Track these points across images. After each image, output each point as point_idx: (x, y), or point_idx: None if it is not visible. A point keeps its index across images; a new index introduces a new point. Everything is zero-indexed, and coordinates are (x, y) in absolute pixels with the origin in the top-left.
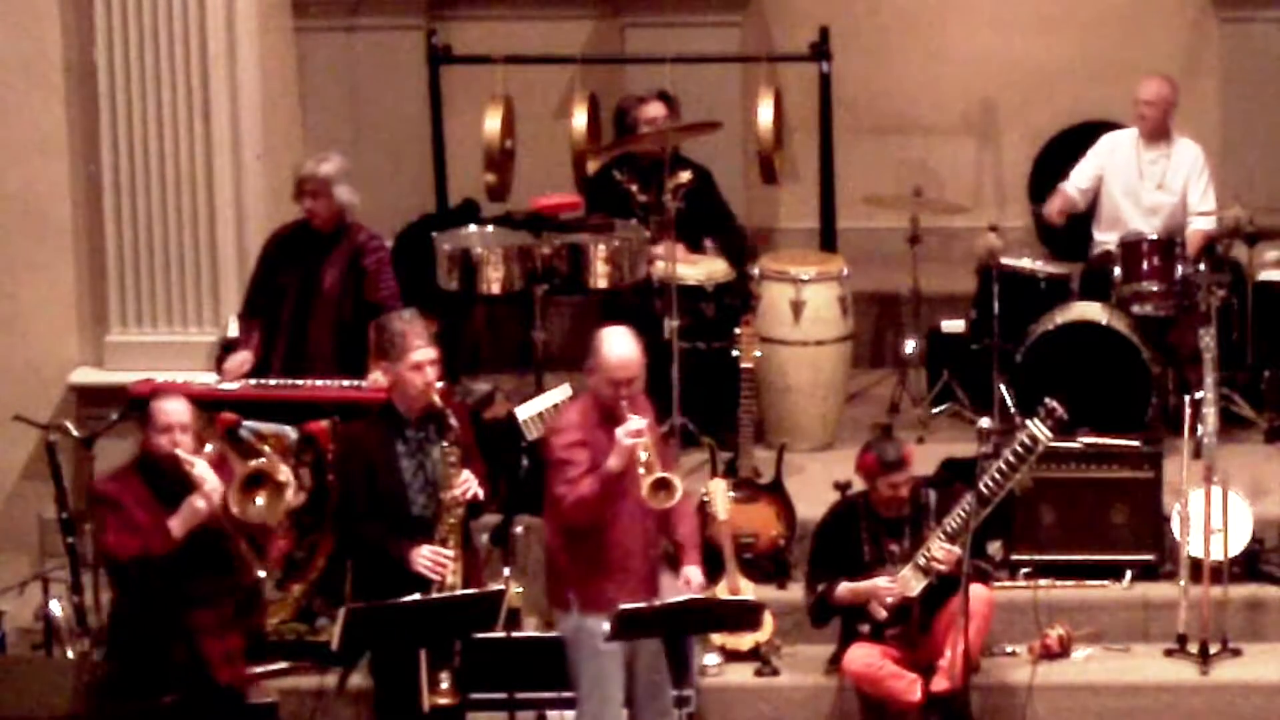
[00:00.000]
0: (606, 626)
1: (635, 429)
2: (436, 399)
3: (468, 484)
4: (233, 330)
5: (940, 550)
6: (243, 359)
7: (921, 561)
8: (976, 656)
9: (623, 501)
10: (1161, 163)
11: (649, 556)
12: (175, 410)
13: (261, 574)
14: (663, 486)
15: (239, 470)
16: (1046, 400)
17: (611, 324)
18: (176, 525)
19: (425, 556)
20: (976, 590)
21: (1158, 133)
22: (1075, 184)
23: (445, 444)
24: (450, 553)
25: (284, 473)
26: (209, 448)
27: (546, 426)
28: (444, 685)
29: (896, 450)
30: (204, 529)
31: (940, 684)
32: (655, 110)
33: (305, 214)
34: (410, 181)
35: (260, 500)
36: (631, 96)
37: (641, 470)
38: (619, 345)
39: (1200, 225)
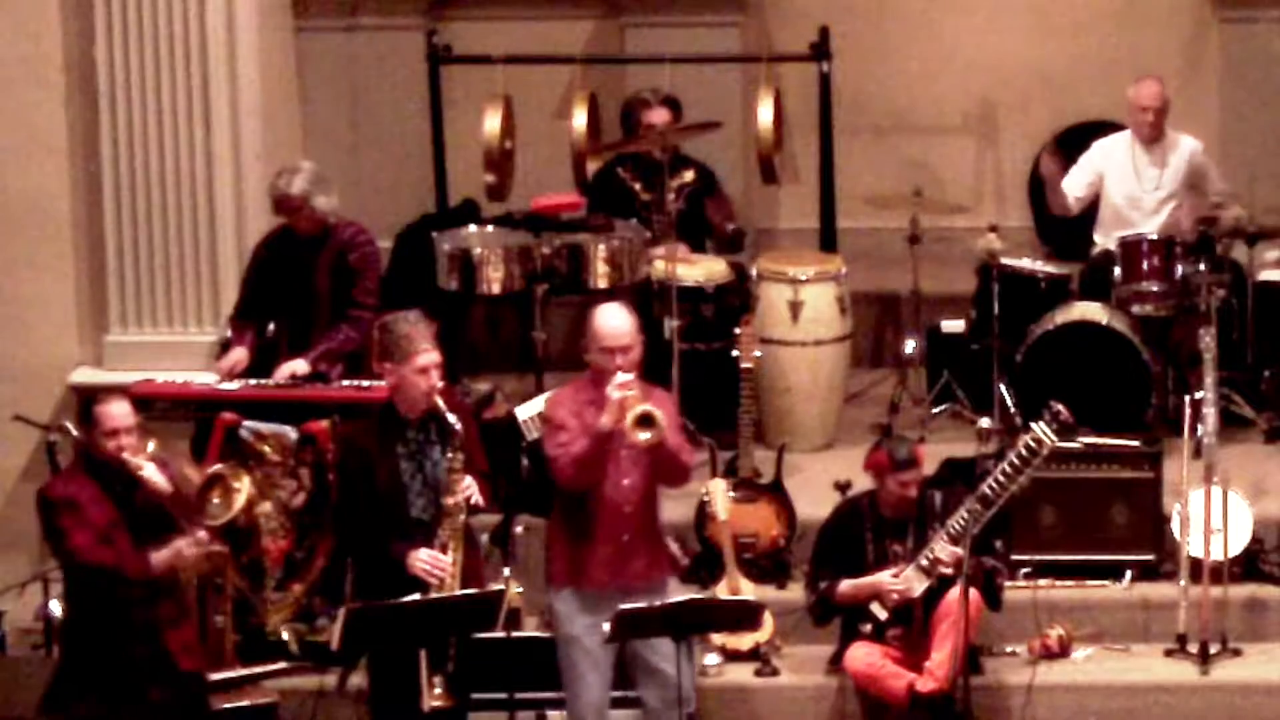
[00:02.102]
0: (576, 613)
1: (623, 382)
2: (439, 402)
3: (470, 490)
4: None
5: (944, 551)
6: (238, 357)
7: (924, 563)
8: (965, 658)
9: (611, 480)
10: (1159, 163)
11: (648, 544)
12: (120, 414)
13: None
14: (646, 423)
15: (196, 479)
16: (1052, 404)
17: None
18: (159, 562)
19: (423, 561)
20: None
21: (1157, 135)
22: (1070, 191)
23: (450, 452)
24: (448, 558)
25: (241, 480)
26: (151, 445)
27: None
28: (438, 690)
29: (908, 448)
30: (160, 518)
31: (927, 684)
32: (660, 117)
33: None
34: (410, 181)
35: (215, 501)
36: (640, 97)
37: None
38: (610, 315)
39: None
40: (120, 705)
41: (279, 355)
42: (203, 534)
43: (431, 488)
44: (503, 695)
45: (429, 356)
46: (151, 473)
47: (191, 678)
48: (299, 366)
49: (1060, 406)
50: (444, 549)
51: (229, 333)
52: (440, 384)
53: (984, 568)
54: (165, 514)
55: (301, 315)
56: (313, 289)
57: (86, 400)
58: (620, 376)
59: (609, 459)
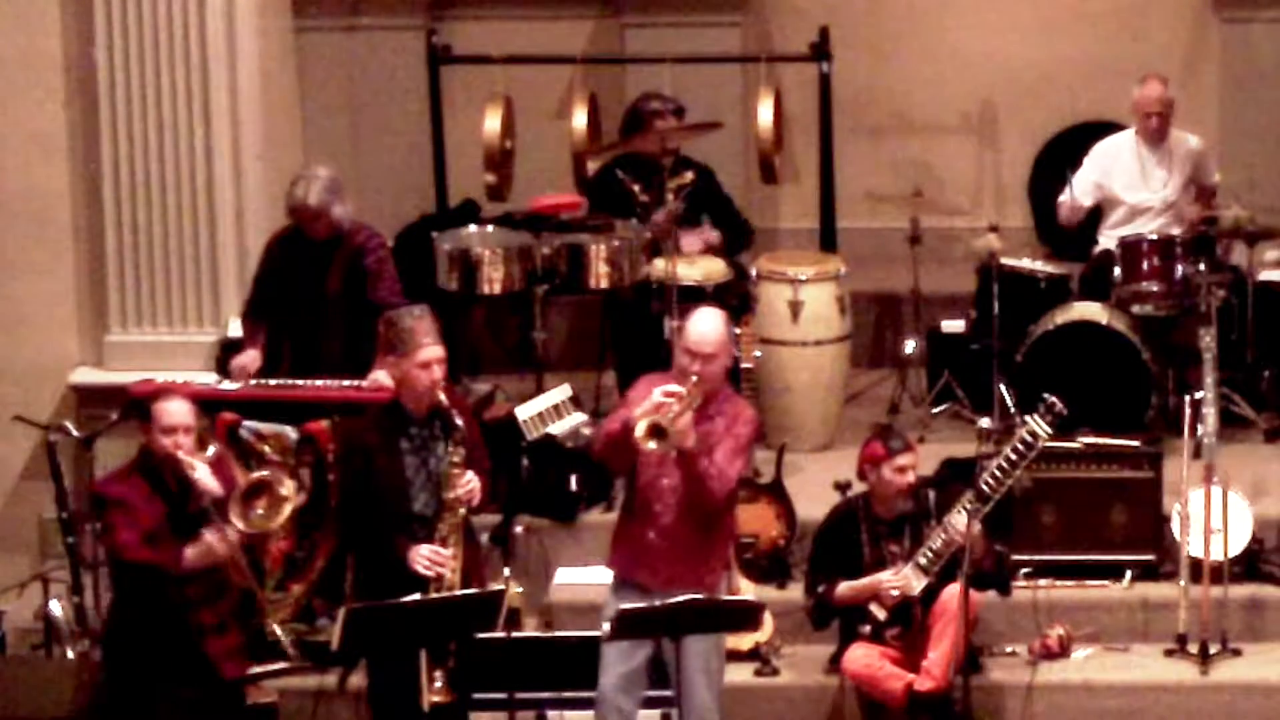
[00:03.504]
0: (611, 596)
1: (672, 390)
2: (442, 398)
3: (471, 485)
4: (234, 330)
5: (959, 525)
6: (251, 357)
7: (923, 560)
8: (963, 657)
9: (661, 481)
10: (1165, 164)
11: (660, 538)
12: (179, 411)
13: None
14: (656, 433)
15: (242, 481)
16: (1046, 396)
17: (612, 324)
18: (192, 557)
19: (424, 556)
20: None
21: (1162, 136)
22: (1080, 198)
23: (450, 445)
24: (449, 552)
25: (287, 486)
26: (211, 449)
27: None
28: (438, 684)
29: (901, 437)
30: (210, 521)
31: (925, 683)
32: (671, 124)
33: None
34: (410, 181)
35: (260, 510)
36: (650, 107)
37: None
38: (702, 321)
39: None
40: (157, 709)
41: (282, 357)
42: (231, 531)
43: (435, 483)
44: (503, 695)
45: (431, 351)
46: (204, 474)
47: (231, 685)
48: (384, 378)
49: (1054, 399)
50: (444, 544)
51: (240, 331)
52: (442, 379)
53: (997, 552)
54: (214, 518)
55: (309, 316)
56: (323, 291)
57: (137, 401)
58: (672, 385)
59: (657, 457)
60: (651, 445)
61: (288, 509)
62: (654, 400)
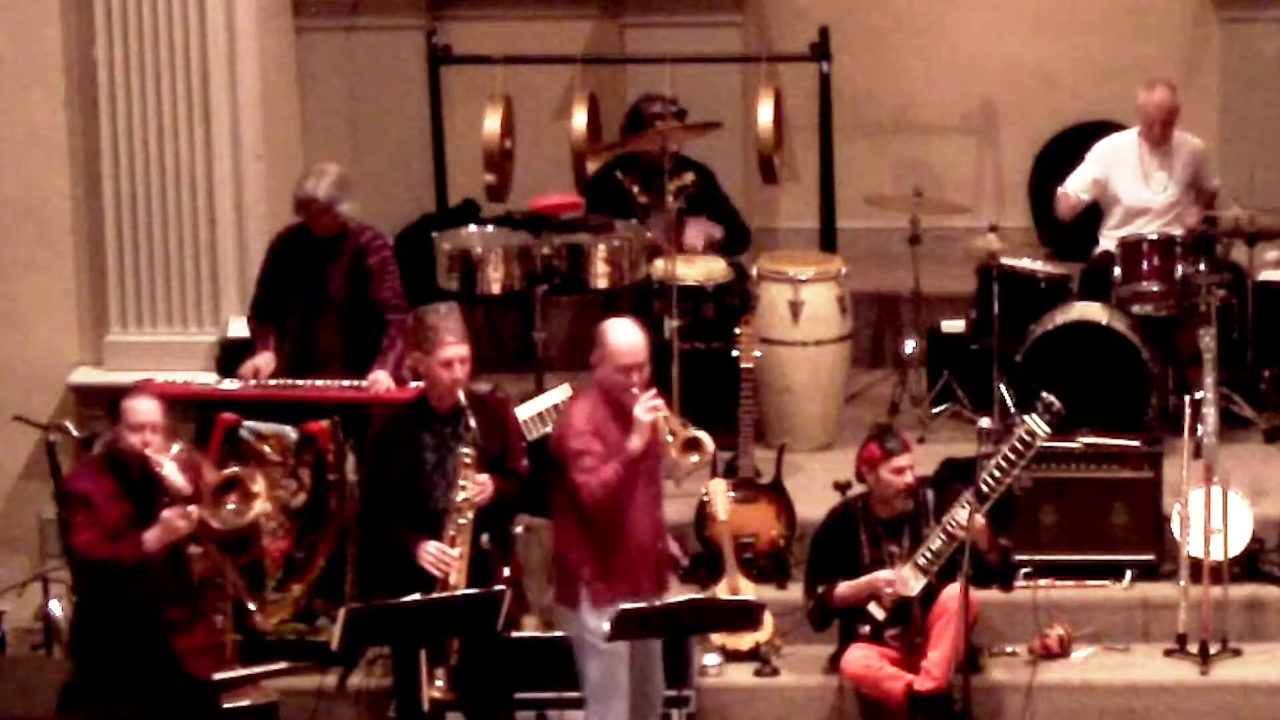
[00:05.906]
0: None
1: (652, 404)
2: (462, 397)
3: (484, 487)
4: (233, 330)
5: (961, 521)
6: (265, 359)
7: (923, 560)
8: (963, 657)
9: (632, 494)
10: (1166, 165)
11: (656, 550)
12: (147, 409)
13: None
14: (694, 446)
15: (212, 479)
16: (1044, 395)
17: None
18: (152, 540)
19: (430, 553)
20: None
21: (1165, 139)
22: (1076, 193)
23: (463, 447)
24: (455, 552)
25: (258, 483)
26: (176, 447)
27: (555, 424)
28: (439, 683)
29: (897, 437)
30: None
31: (925, 683)
32: (672, 125)
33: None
34: (410, 181)
35: (230, 505)
36: (653, 110)
37: (669, 438)
38: (625, 332)
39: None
40: (126, 708)
41: (283, 355)
42: (192, 507)
43: (451, 481)
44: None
45: (454, 350)
46: (171, 472)
47: (200, 683)
48: (384, 379)
49: (1052, 398)
50: (451, 544)
51: (242, 331)
52: (463, 379)
53: (1002, 546)
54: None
55: (310, 315)
56: (324, 290)
57: (113, 397)
58: (647, 399)
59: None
60: (695, 459)
61: (258, 505)
62: (646, 420)
